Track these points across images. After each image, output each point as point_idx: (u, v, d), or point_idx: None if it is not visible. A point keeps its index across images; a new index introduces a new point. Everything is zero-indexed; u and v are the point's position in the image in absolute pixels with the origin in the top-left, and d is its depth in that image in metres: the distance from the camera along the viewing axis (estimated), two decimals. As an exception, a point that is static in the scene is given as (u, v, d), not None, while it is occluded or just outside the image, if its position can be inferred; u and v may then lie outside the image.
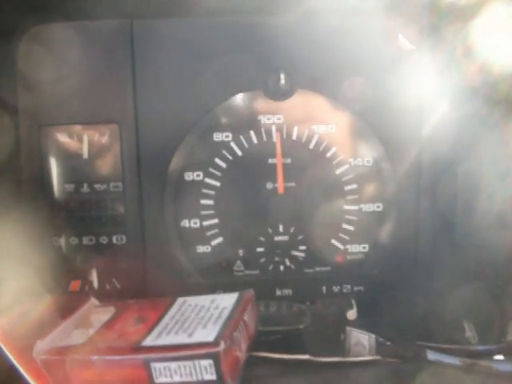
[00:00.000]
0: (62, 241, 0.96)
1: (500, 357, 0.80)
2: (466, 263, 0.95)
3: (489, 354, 0.81)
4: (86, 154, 0.94)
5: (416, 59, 0.93)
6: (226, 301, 0.79)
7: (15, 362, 0.64)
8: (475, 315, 0.90)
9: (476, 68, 0.87)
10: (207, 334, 0.68)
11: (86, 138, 0.94)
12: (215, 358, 0.65)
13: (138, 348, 0.68)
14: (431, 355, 0.78)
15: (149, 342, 0.69)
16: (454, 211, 0.95)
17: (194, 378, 0.66)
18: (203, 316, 0.75)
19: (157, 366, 0.66)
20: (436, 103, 0.94)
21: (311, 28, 0.93)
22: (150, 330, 0.72)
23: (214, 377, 0.65)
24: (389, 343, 0.80)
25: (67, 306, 0.82)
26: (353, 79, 0.94)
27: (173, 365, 0.66)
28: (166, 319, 0.75)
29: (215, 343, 0.65)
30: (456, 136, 0.93)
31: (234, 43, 0.93)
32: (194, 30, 0.93)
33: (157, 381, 0.66)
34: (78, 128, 0.94)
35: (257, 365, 0.73)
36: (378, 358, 0.78)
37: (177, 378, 0.66)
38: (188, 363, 0.65)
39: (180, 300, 0.82)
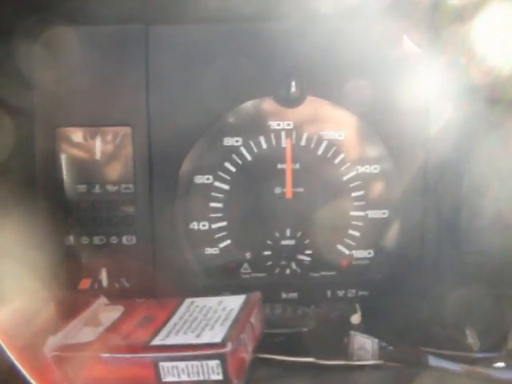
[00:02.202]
0: (74, 240, 0.97)
1: (501, 364, 0.81)
2: (471, 268, 0.96)
3: (490, 361, 0.82)
4: (98, 156, 0.96)
5: (422, 61, 0.94)
6: (233, 302, 0.80)
7: (16, 362, 0.64)
8: (478, 321, 0.90)
9: (480, 69, 0.88)
10: (215, 335, 0.70)
11: (98, 140, 0.96)
12: (222, 358, 0.66)
13: (147, 347, 0.69)
14: (433, 361, 0.78)
15: (158, 341, 0.70)
16: (458, 214, 0.96)
17: (201, 378, 0.67)
18: (211, 317, 0.76)
19: (165, 365, 0.67)
20: (441, 106, 0.95)
21: (320, 33, 0.94)
22: (158, 330, 0.73)
23: (220, 377, 0.67)
24: (391, 348, 0.81)
25: (77, 304, 0.84)
26: (362, 85, 0.95)
27: (180, 364, 0.67)
28: (175, 319, 0.77)
29: (222, 344, 0.67)
30: (460, 138, 0.94)
31: (246, 50, 0.94)
32: (206, 36, 0.94)
33: (164, 379, 0.68)
34: (91, 130, 0.96)
35: (262, 366, 0.74)
36: (380, 362, 0.78)
37: (184, 377, 0.67)
38: (195, 363, 0.67)
39: (188, 301, 0.83)
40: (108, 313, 0.82)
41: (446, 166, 0.96)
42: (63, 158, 0.96)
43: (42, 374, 0.66)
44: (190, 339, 0.70)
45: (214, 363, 0.66)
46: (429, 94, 0.95)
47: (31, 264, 0.81)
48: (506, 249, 0.94)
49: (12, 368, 0.63)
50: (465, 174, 0.96)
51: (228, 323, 0.73)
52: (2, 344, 0.65)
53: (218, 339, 0.68)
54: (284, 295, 0.99)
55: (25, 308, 0.78)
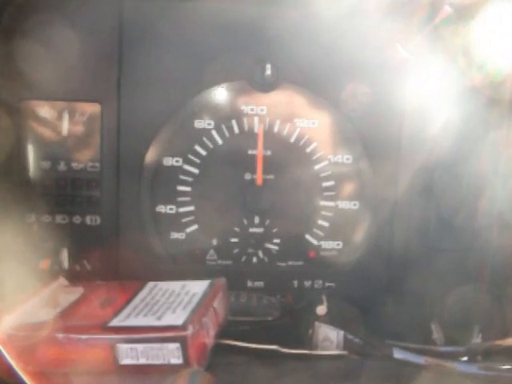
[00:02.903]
0: (35, 218, 0.94)
1: (464, 358, 0.81)
2: (442, 265, 0.96)
3: (454, 356, 0.82)
4: (65, 132, 0.93)
5: (407, 59, 0.94)
6: (197, 287, 0.79)
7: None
8: (445, 316, 0.91)
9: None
10: (176, 318, 0.68)
11: (66, 115, 0.93)
12: (182, 341, 0.64)
13: (104, 328, 0.67)
14: (397, 353, 0.78)
15: (116, 322, 0.68)
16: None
17: (161, 361, 0.65)
18: (173, 301, 0.75)
19: (123, 347, 0.65)
20: (423, 104, 0.95)
21: (301, 22, 0.93)
22: (118, 312, 0.72)
23: (180, 361, 0.65)
24: (356, 340, 0.80)
25: (36, 284, 0.81)
26: (339, 77, 0.94)
27: (139, 347, 0.65)
28: (135, 302, 0.75)
29: (183, 327, 0.65)
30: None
31: (222, 31, 0.93)
32: (181, 16, 0.92)
33: (122, 362, 0.66)
34: (59, 104, 0.93)
35: (224, 353, 0.73)
36: (344, 353, 0.78)
37: (143, 360, 0.65)
38: (155, 346, 0.65)
39: (150, 284, 0.82)
40: (67, 294, 0.80)
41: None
42: (28, 132, 0.93)
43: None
44: (151, 321, 0.68)
45: (174, 346, 0.65)
46: (407, 90, 0.95)
47: None
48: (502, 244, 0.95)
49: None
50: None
51: (190, 307, 0.72)
52: None
53: (179, 322, 0.67)
54: (250, 283, 0.98)
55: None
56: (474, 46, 0.86)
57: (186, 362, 0.65)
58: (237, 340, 0.76)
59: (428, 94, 0.94)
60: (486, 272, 0.96)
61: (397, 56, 0.93)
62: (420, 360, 0.77)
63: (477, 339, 0.89)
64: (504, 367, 0.75)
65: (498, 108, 0.92)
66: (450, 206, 0.97)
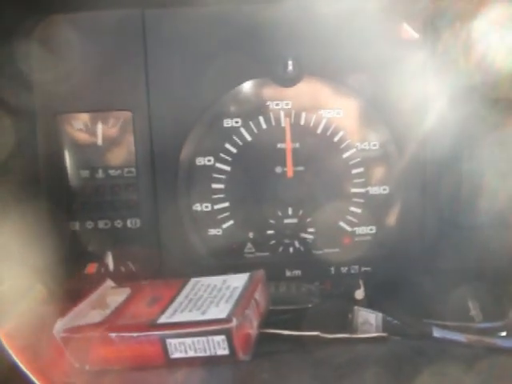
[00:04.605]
0: (79, 225, 0.99)
1: (503, 333, 0.82)
2: (471, 246, 0.97)
3: (493, 331, 0.83)
4: (100, 141, 0.97)
5: (420, 53, 0.95)
6: (238, 281, 0.82)
7: (18, 362, 0.65)
8: (479, 294, 0.91)
9: (476, 66, 0.89)
10: (220, 311, 0.71)
11: (100, 125, 0.97)
12: (228, 333, 0.67)
13: (153, 325, 0.71)
14: (437, 332, 0.79)
15: (164, 319, 0.72)
16: (459, 191, 0.97)
17: (208, 353, 0.69)
18: (216, 295, 0.77)
19: (172, 342, 0.69)
20: (441, 90, 0.95)
21: (318, 14, 0.94)
22: (164, 309, 0.75)
23: (226, 352, 0.68)
24: (395, 321, 0.82)
25: (84, 288, 0.85)
26: (360, 64, 0.95)
27: (187, 341, 0.68)
28: (180, 298, 0.78)
29: (228, 320, 0.68)
30: (458, 130, 0.95)
31: (243, 31, 0.95)
32: (202, 19, 0.95)
33: (172, 356, 0.69)
34: (92, 115, 0.97)
35: (268, 342, 0.75)
36: (384, 335, 0.79)
37: (191, 353, 0.69)
38: (202, 339, 0.68)
39: (193, 280, 0.85)
40: (115, 295, 0.84)
41: (445, 154, 0.97)
42: (65, 144, 0.97)
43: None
44: (196, 316, 0.71)
45: (220, 338, 0.68)
46: (427, 76, 0.96)
47: (33, 264, 0.82)
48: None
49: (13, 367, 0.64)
50: (463, 165, 0.97)
51: (233, 300, 0.74)
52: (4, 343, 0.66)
53: (223, 315, 0.70)
54: (288, 273, 1.01)
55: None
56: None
57: (232, 352, 0.68)
58: (279, 329, 0.78)
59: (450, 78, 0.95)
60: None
61: (404, 34, 0.94)
62: (460, 337, 0.78)
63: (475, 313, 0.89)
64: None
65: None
66: (479, 184, 0.97)
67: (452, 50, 0.91)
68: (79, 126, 0.97)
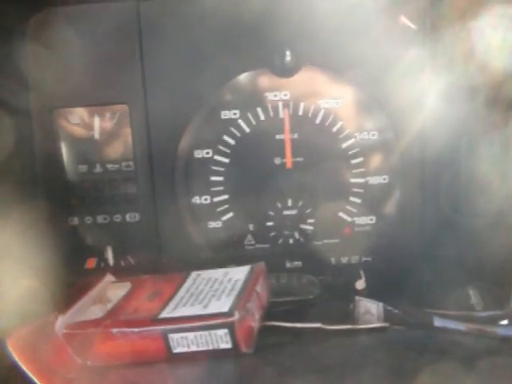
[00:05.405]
0: (78, 220, 0.98)
1: (505, 322, 0.82)
2: (471, 234, 0.97)
3: (494, 320, 0.83)
4: (97, 135, 0.97)
5: (420, 42, 0.94)
6: (239, 273, 0.82)
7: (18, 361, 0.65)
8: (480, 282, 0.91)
9: (477, 67, 0.88)
10: (222, 305, 0.71)
11: (96, 120, 0.96)
12: (230, 327, 0.67)
13: (155, 320, 0.70)
14: (437, 321, 0.80)
15: (166, 314, 0.72)
16: (458, 180, 0.97)
17: (211, 347, 0.69)
18: (217, 288, 0.77)
19: (174, 337, 0.69)
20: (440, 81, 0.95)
21: (316, 4, 0.93)
22: (166, 303, 0.75)
23: (229, 345, 0.68)
24: (396, 311, 0.82)
25: (84, 283, 0.85)
26: (357, 54, 0.94)
27: (189, 335, 0.68)
28: (181, 292, 0.78)
29: (230, 313, 0.68)
30: (457, 121, 0.95)
31: (240, 22, 0.94)
32: (199, 10, 0.94)
33: (175, 351, 0.69)
34: (88, 110, 0.96)
35: (270, 333, 0.75)
36: (385, 324, 0.80)
37: (194, 348, 0.69)
38: (204, 333, 0.68)
39: (194, 274, 0.85)
40: (115, 290, 0.84)
41: (445, 145, 0.96)
42: (62, 139, 0.96)
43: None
44: (198, 310, 0.71)
45: (223, 332, 0.68)
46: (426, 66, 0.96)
47: (32, 260, 0.81)
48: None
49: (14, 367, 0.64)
50: (464, 149, 0.96)
51: (234, 293, 0.74)
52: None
53: (225, 309, 0.70)
54: (288, 264, 1.01)
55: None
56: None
57: (235, 345, 0.68)
58: (281, 320, 0.78)
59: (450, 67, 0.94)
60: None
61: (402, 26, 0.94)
62: (461, 327, 0.78)
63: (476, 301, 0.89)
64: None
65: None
66: (479, 172, 0.97)
67: (452, 50, 0.90)
68: (76, 121, 0.96)
